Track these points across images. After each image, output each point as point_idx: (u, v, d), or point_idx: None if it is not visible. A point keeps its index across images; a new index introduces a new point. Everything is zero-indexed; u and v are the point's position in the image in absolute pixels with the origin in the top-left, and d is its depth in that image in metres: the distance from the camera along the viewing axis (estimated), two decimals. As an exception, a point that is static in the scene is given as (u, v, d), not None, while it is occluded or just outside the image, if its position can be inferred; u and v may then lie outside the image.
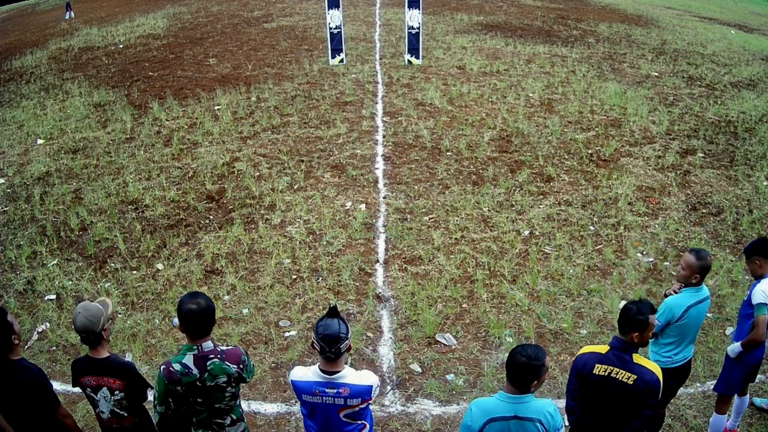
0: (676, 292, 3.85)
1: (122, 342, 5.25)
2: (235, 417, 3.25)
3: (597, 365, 3.07)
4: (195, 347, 3.04)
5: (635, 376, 3.00)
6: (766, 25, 24.86)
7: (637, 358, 3.06)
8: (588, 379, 3.09)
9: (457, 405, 4.64)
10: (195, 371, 3.02)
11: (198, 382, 3.03)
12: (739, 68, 14.49)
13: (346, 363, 3.06)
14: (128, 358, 5.09)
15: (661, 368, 3.55)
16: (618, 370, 3.03)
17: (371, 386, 2.98)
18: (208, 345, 3.05)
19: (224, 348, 3.13)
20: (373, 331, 5.45)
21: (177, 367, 3.01)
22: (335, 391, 2.94)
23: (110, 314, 3.16)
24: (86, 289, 6.00)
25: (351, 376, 2.97)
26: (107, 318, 3.13)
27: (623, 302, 5.72)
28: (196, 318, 2.99)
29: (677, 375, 3.89)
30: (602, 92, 11.75)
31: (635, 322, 3.04)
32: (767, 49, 17.72)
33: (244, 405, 4.61)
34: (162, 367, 3.05)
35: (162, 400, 3.09)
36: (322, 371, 2.95)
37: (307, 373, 3.00)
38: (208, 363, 3.03)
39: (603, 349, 3.13)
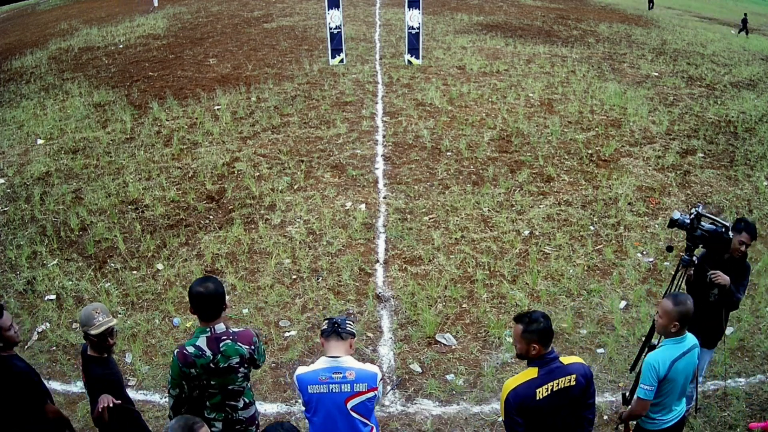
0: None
1: (122, 342, 5.25)
2: (247, 400, 3.33)
3: (537, 390, 2.96)
4: (208, 329, 3.11)
5: (574, 375, 3.00)
6: (766, 25, 24.87)
7: (564, 360, 3.04)
8: (534, 407, 2.97)
9: (457, 405, 4.64)
10: (208, 353, 3.08)
11: (212, 364, 3.09)
12: (739, 68, 14.50)
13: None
14: (128, 358, 5.10)
15: (652, 431, 3.43)
16: (557, 380, 2.98)
17: (376, 374, 3.09)
18: (220, 327, 3.13)
19: (236, 330, 3.22)
20: (373, 331, 5.45)
21: (191, 349, 3.07)
22: (341, 375, 3.02)
23: (99, 332, 3.19)
24: (86, 289, 5.99)
25: (355, 363, 3.10)
26: (86, 331, 3.21)
27: (623, 302, 5.74)
28: (205, 301, 3.06)
29: None
30: (602, 92, 11.75)
31: (547, 330, 3.01)
32: (767, 49, 17.73)
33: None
34: (176, 351, 3.09)
35: (175, 384, 3.11)
36: (329, 357, 3.07)
37: (313, 366, 3.11)
38: (221, 344, 3.11)
39: (531, 373, 3.01)
